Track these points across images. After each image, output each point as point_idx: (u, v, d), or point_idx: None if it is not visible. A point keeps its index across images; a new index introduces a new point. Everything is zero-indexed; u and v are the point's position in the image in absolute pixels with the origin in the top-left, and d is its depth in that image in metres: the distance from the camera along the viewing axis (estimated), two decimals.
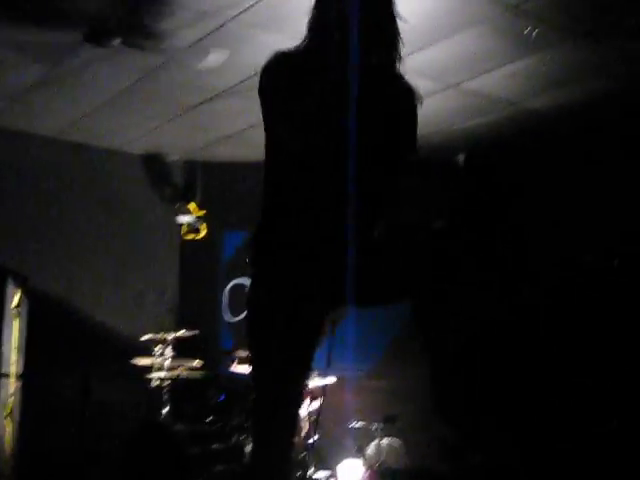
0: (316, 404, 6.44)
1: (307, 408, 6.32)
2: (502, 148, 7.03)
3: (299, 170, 2.82)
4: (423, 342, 2.98)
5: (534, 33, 5.34)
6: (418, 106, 3.01)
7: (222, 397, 6.40)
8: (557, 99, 6.48)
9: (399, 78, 2.98)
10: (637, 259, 5.04)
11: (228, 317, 8.05)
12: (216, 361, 7.35)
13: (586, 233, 6.38)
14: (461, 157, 4.39)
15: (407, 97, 2.99)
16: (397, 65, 2.96)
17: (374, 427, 6.77)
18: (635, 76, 6.00)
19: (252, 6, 5.01)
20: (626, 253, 5.25)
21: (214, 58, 5.71)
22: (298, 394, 3.00)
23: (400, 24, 2.96)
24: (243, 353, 6.41)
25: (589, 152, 6.86)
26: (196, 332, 6.88)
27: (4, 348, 6.16)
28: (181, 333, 6.77)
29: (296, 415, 3.03)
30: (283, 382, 2.85)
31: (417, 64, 5.45)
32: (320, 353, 2.96)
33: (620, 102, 6.42)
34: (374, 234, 2.86)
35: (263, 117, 2.87)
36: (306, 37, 2.87)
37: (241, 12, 5.10)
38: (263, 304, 2.87)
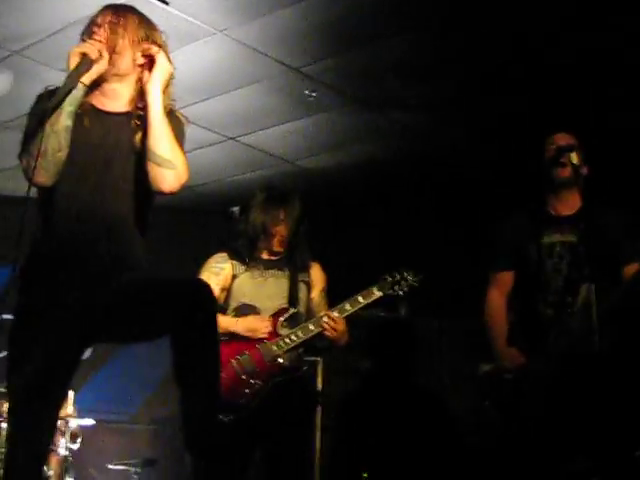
0: (74, 445, 6.34)
1: (65, 448, 6.20)
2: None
3: (66, 210, 2.88)
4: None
5: (312, 95, 5.60)
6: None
7: None
8: (329, 160, 6.81)
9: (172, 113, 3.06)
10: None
11: None
12: None
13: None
14: (236, 208, 4.55)
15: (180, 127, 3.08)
16: None
17: (133, 470, 6.73)
18: (397, 142, 6.41)
19: (37, 42, 5.01)
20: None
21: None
22: (52, 427, 3.00)
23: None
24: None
25: (355, 213, 7.21)
26: None
27: None
28: None
29: (47, 449, 3.01)
30: (37, 413, 2.81)
31: (197, 115, 5.57)
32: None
33: (384, 166, 6.82)
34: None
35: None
36: None
37: (26, 47, 5.09)
38: (21, 337, 2.86)
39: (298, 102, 5.77)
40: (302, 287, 4.29)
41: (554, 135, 4.21)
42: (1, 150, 6.65)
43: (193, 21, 4.69)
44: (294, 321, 4.22)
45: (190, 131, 3.16)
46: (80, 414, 6.37)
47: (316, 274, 4.40)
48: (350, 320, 4.21)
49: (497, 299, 4.24)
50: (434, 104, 5.74)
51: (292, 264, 4.30)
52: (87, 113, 2.92)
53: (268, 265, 4.27)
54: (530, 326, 4.08)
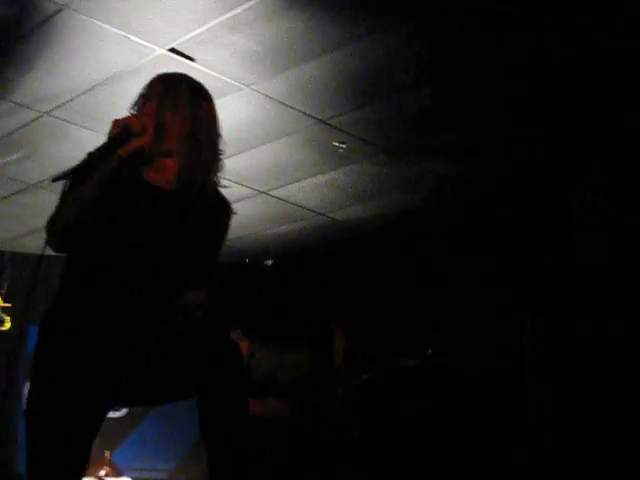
0: None
1: None
2: (309, 254, 7.25)
3: (95, 280, 2.81)
4: None
5: (341, 146, 5.61)
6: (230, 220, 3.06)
7: None
8: (361, 210, 6.80)
9: (216, 194, 3.04)
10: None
11: None
12: (14, 458, 7.14)
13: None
14: (270, 261, 4.56)
15: (222, 213, 3.06)
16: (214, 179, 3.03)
17: None
18: (429, 191, 6.38)
19: (67, 102, 5.08)
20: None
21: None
22: None
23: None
24: None
25: (389, 262, 7.17)
26: None
27: None
28: None
29: None
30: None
31: (227, 169, 5.55)
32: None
33: (417, 215, 6.79)
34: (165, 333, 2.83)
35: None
36: None
37: (56, 107, 5.15)
38: (40, 400, 2.78)
39: (327, 154, 5.77)
40: (325, 355, 4.27)
41: (583, 179, 4.13)
42: (34, 210, 6.74)
43: (220, 77, 4.72)
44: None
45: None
46: (118, 472, 6.36)
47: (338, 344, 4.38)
48: None
49: None
50: (464, 151, 5.71)
51: (313, 334, 4.29)
52: (136, 184, 2.84)
53: (287, 335, 4.24)
54: None
